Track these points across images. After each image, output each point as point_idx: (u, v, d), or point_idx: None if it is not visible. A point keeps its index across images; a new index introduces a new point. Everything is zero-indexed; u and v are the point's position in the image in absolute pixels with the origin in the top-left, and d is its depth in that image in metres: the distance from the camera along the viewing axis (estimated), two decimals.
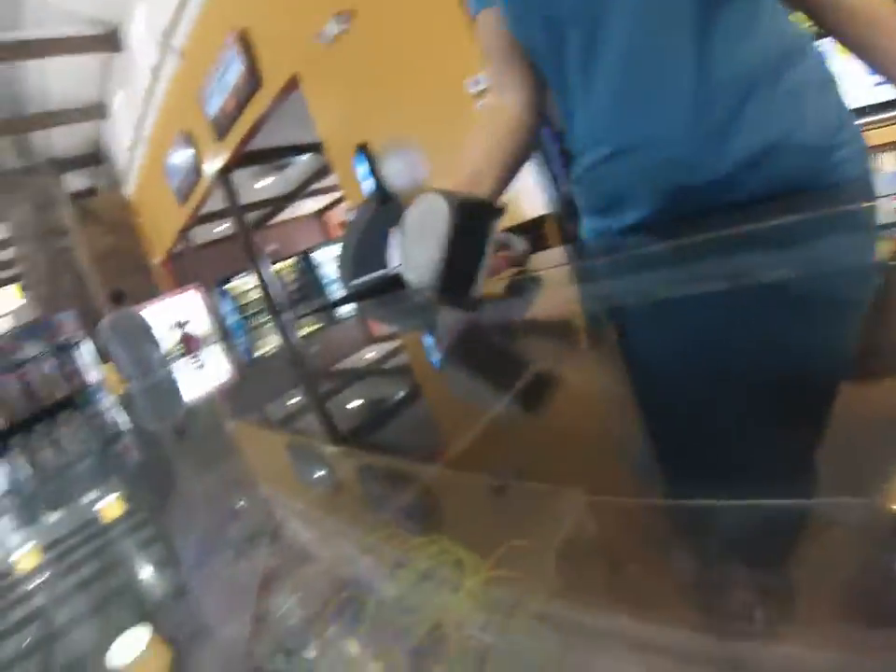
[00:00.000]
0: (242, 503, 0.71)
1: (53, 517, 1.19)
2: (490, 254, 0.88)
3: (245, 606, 0.43)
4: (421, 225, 0.91)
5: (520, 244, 1.09)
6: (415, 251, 0.91)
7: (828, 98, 0.97)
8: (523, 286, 1.04)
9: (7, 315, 13.50)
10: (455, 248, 0.85)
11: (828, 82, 0.97)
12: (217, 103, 6.70)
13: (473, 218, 0.87)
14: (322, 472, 0.74)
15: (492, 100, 1.18)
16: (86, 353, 7.86)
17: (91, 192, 11.82)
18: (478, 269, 0.87)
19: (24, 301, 12.73)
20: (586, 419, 0.50)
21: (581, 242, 1.15)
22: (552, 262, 1.18)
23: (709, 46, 0.94)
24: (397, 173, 4.51)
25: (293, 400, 1.25)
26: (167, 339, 7.20)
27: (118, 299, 6.26)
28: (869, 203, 0.81)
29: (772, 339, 0.48)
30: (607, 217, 1.10)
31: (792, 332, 0.49)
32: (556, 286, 1.08)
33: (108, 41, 8.60)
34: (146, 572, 0.68)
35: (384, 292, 1.14)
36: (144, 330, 6.10)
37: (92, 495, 1.21)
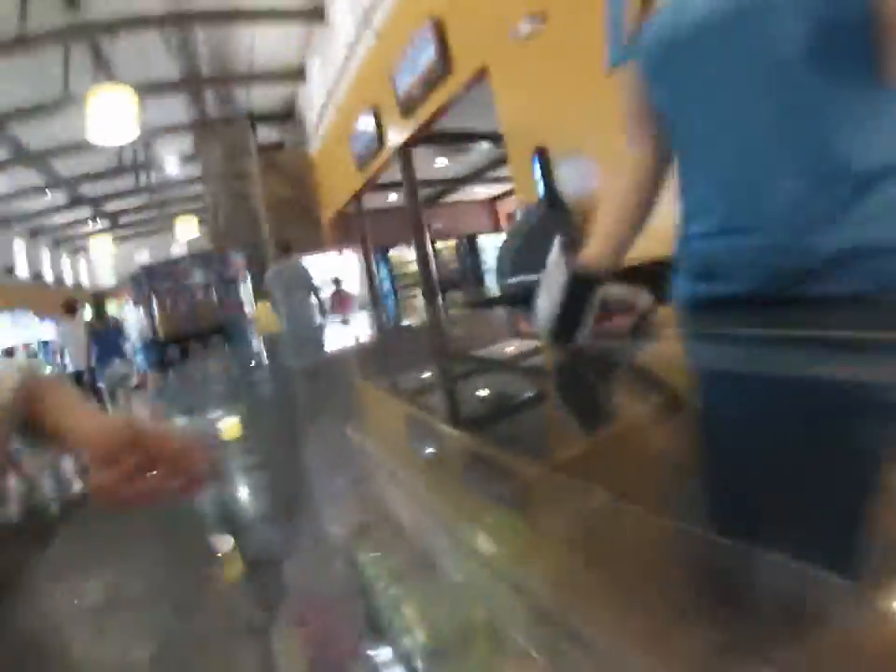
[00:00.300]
0: (345, 448, 0.79)
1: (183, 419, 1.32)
2: (594, 308, 1.12)
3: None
4: (551, 277, 1.15)
5: (644, 298, 1.18)
6: (544, 297, 1.15)
7: None
8: (640, 335, 1.17)
9: (186, 241, 14.61)
10: (567, 307, 1.11)
11: None
12: (406, 82, 6.94)
13: (584, 283, 1.12)
14: (421, 441, 0.83)
15: (626, 154, 1.31)
16: (247, 290, 8.30)
17: (278, 146, 12.59)
18: (583, 321, 1.11)
19: (201, 234, 13.73)
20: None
21: (686, 305, 1.24)
22: (672, 321, 1.28)
23: (827, 137, 0.98)
24: (569, 179, 4.51)
25: (415, 372, 1.35)
26: (321, 292, 7.53)
27: (286, 248, 6.63)
28: None
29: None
30: (701, 283, 1.18)
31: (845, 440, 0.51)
32: (666, 342, 1.24)
33: (313, 13, 9.10)
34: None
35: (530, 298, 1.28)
36: (305, 281, 6.41)
37: (219, 412, 1.31)
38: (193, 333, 8.04)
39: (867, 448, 0.48)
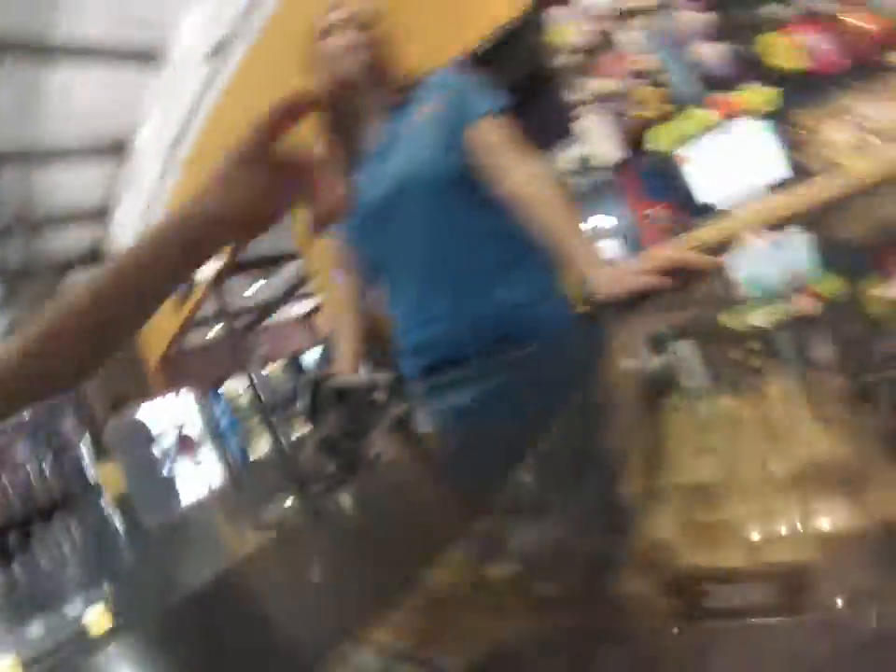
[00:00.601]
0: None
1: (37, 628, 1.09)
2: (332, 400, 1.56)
3: None
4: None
5: (380, 379, 1.71)
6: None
7: (540, 286, 1.62)
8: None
9: None
10: (312, 402, 1.49)
11: (541, 276, 1.63)
12: None
13: (318, 385, 1.54)
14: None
15: (337, 285, 1.93)
16: (84, 454, 8.06)
17: None
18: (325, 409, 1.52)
19: None
20: None
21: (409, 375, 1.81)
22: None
23: (467, 254, 1.60)
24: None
25: (280, 503, 1.45)
26: (163, 441, 7.51)
27: (117, 405, 6.65)
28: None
29: None
30: (415, 359, 1.73)
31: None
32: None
33: (117, 151, 9.14)
34: None
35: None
36: (146, 436, 6.44)
37: (79, 604, 1.17)
38: (28, 516, 7.51)
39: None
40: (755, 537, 0.33)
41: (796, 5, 3.08)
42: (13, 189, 8.79)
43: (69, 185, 9.38)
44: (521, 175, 1.50)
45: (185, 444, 8.51)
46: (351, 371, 1.81)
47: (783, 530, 0.32)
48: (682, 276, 1.25)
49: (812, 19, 3.04)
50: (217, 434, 8.49)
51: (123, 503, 5.29)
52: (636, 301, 1.27)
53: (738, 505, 0.37)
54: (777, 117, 3.13)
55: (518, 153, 1.52)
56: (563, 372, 1.06)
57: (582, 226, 1.49)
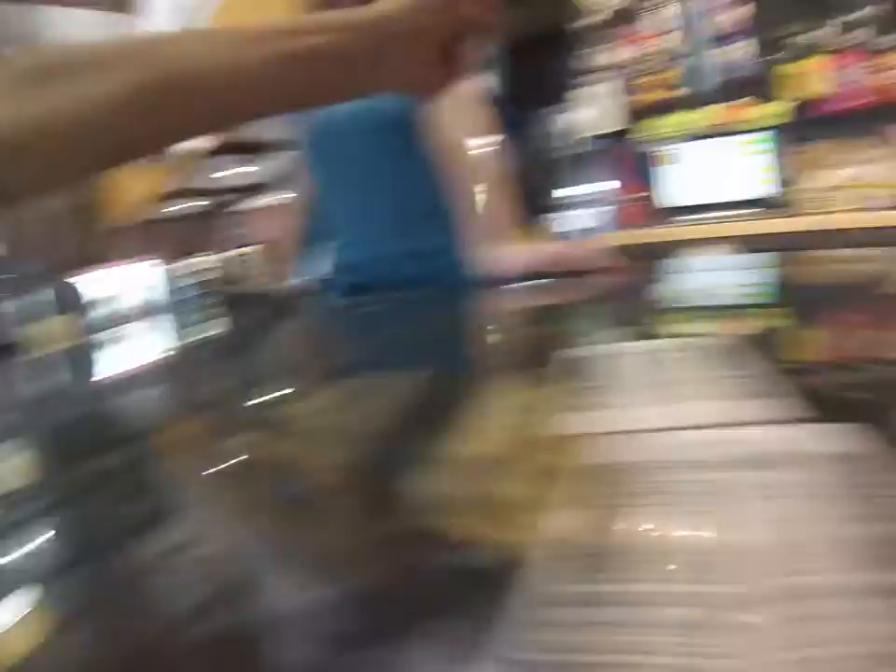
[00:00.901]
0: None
1: None
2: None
3: None
4: None
5: (292, 288, 2.07)
6: None
7: (449, 236, 1.75)
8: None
9: None
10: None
11: (451, 228, 1.75)
12: None
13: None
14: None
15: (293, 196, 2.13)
16: (43, 303, 8.02)
17: None
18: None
19: None
20: None
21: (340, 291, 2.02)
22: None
23: (394, 191, 1.79)
24: None
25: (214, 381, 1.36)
26: (118, 306, 7.54)
27: (80, 262, 6.64)
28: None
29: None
30: (346, 277, 1.94)
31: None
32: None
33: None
34: None
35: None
36: (105, 299, 6.48)
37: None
38: None
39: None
40: (497, 511, 0.39)
41: (838, 33, 3.00)
42: (13, 35, 8.55)
43: (73, 38, 9.10)
44: (459, 133, 1.63)
45: (142, 311, 8.53)
46: (282, 276, 2.03)
47: (520, 513, 0.38)
48: (573, 271, 1.43)
49: (851, 51, 2.98)
50: (175, 306, 8.51)
51: (76, 356, 5.34)
52: (523, 280, 1.44)
53: (486, 482, 0.44)
54: (780, 138, 3.11)
55: (465, 112, 1.62)
56: (452, 325, 1.23)
57: (500, 196, 1.62)
